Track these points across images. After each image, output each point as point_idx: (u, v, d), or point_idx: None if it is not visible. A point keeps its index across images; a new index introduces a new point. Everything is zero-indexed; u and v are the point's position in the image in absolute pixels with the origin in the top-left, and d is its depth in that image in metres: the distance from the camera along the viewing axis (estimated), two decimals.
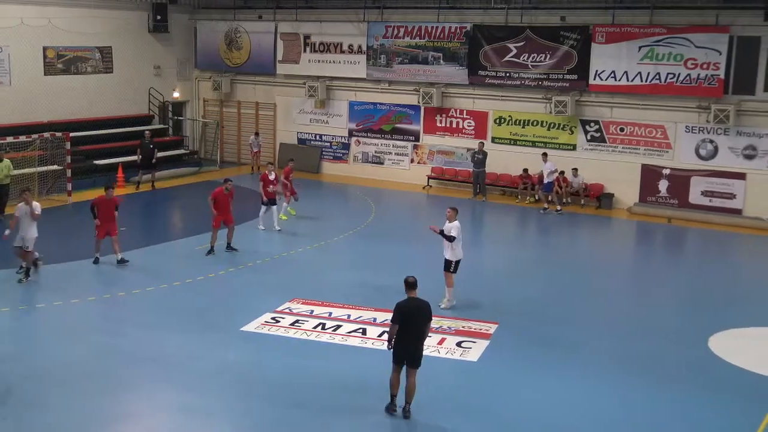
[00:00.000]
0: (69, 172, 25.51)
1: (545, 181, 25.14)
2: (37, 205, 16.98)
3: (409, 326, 11.08)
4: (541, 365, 13.35)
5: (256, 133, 31.49)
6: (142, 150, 27.39)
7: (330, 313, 15.42)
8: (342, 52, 30.39)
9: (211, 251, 19.19)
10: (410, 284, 11.32)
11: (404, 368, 11.29)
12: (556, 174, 25.45)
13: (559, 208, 25.21)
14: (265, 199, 21.66)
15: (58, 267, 17.90)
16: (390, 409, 11.43)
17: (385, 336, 14.15)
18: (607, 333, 15.13)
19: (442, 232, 15.72)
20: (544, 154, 25.59)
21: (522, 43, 26.95)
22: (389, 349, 11.32)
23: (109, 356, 13.29)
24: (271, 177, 21.66)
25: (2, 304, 15.78)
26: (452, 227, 15.64)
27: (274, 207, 21.86)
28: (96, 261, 18.27)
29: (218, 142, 33.22)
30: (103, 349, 13.59)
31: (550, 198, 25.35)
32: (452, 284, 15.87)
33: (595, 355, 13.98)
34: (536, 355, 13.81)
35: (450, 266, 15.77)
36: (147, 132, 28.36)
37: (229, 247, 19.45)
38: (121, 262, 18.13)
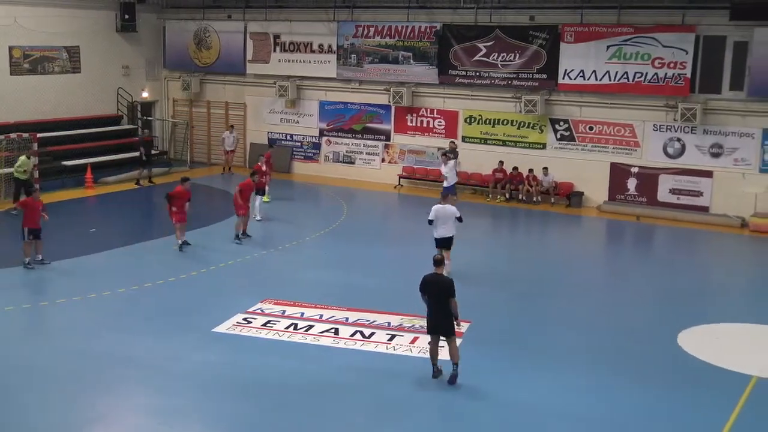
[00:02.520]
0: (36, 173, 25.19)
1: (446, 184, 24.29)
2: None
3: (431, 298, 12.38)
4: (513, 363, 13.45)
5: (231, 126, 31.17)
6: (143, 147, 28.02)
7: (302, 314, 15.40)
8: (312, 51, 30.34)
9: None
10: (436, 261, 12.75)
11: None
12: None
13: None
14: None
15: (23, 269, 17.67)
16: (435, 374, 12.50)
17: (358, 336, 14.25)
18: (577, 330, 15.26)
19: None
20: (444, 155, 25.26)
21: (491, 43, 27.08)
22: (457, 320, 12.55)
23: (80, 359, 13.17)
24: (264, 168, 23.15)
25: None
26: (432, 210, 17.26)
27: (259, 196, 22.74)
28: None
29: (188, 142, 33.01)
30: (75, 352, 13.46)
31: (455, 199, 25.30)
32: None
33: (566, 352, 14.09)
34: (508, 353, 13.91)
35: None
36: (145, 130, 29.01)
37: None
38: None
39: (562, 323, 15.66)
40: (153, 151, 29.41)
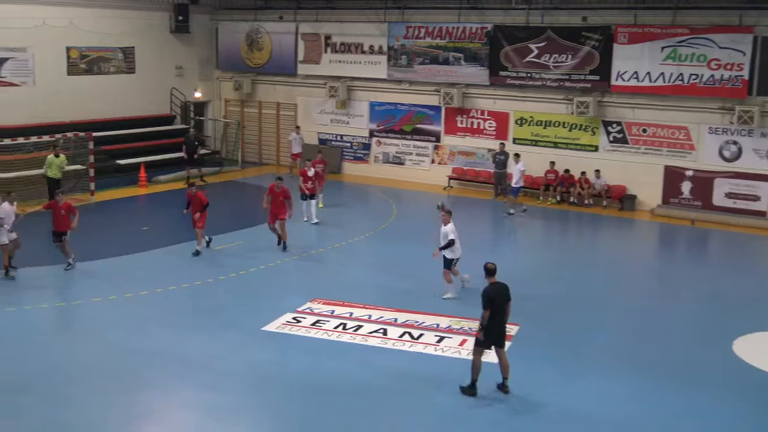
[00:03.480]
0: (92, 172, 25.67)
1: (513, 185, 24.83)
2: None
3: (498, 309, 11.91)
4: (564, 367, 13.27)
5: (297, 128, 31.12)
6: (186, 146, 27.93)
7: (351, 314, 15.41)
8: (363, 52, 30.39)
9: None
10: (491, 270, 12.15)
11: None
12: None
13: (525, 208, 25.18)
14: (301, 194, 22.41)
15: (80, 266, 17.98)
16: (470, 393, 11.96)
17: (407, 337, 14.20)
18: (629, 335, 15.02)
19: (443, 248, 16.25)
20: (516, 155, 25.41)
21: (543, 44, 26.83)
22: (480, 336, 11.97)
23: (130, 355, 13.35)
24: (310, 173, 22.43)
25: (26, 302, 15.91)
26: (448, 231, 16.17)
27: (313, 201, 22.61)
28: (281, 247, 19.70)
29: (239, 142, 33.31)
30: (125, 348, 13.65)
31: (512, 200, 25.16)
32: (451, 280, 16.48)
33: (618, 357, 13.88)
34: (559, 357, 13.73)
35: (452, 263, 16.44)
36: (191, 129, 28.91)
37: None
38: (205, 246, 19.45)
39: (612, 328, 15.44)
40: (201, 151, 29.68)
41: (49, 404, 11.48)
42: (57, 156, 23.65)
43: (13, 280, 17.06)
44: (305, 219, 22.50)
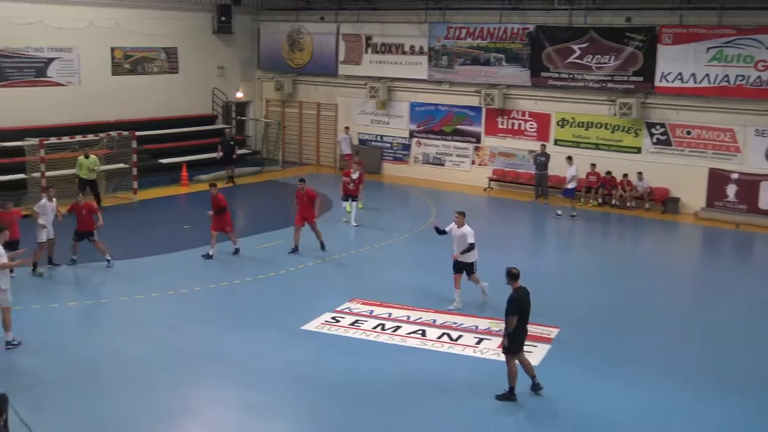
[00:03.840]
0: (135, 171, 25.99)
1: (567, 186, 24.67)
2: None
3: (525, 314, 11.80)
4: (604, 372, 13.10)
5: (347, 128, 31.11)
6: (223, 146, 28.03)
7: (389, 314, 15.39)
8: (403, 53, 30.37)
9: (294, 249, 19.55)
10: (515, 275, 11.92)
11: None
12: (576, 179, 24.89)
13: (575, 213, 24.72)
14: (343, 194, 22.54)
15: (122, 263, 18.19)
16: (510, 398, 11.82)
17: (445, 338, 14.13)
18: (671, 341, 14.78)
19: (465, 251, 15.61)
20: (569, 158, 25.18)
21: (586, 44, 26.57)
22: (505, 343, 11.81)
23: (171, 352, 13.48)
24: (354, 176, 22.44)
25: (69, 298, 16.16)
26: (467, 233, 15.58)
27: (354, 202, 22.62)
28: (322, 247, 19.58)
29: (280, 142, 33.49)
30: (165, 345, 13.78)
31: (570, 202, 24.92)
32: (460, 286, 15.92)
33: (659, 363, 13.64)
34: (599, 361, 13.56)
35: (473, 267, 15.88)
36: (227, 129, 29.17)
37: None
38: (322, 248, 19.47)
39: (655, 333, 15.20)
40: (238, 151, 29.92)
41: (89, 400, 11.62)
42: (87, 157, 23.67)
43: (40, 277, 17.27)
44: (344, 220, 22.50)
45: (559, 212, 24.64)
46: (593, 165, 26.36)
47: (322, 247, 19.70)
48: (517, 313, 11.66)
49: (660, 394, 12.33)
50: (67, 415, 11.14)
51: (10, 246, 14.84)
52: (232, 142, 28.70)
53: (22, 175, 24.18)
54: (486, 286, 16.08)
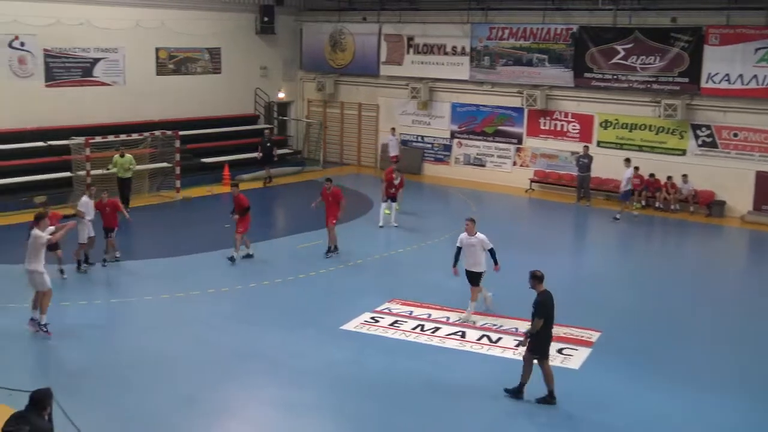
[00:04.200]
0: (178, 170, 26.28)
1: (623, 188, 24.33)
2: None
3: (550, 318, 11.61)
4: (645, 377, 12.90)
5: (393, 129, 30.95)
6: (262, 147, 28.20)
7: (429, 315, 15.35)
8: (445, 53, 30.30)
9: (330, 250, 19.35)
10: (540, 278, 11.73)
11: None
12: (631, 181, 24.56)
13: (636, 214, 24.39)
14: (385, 196, 22.41)
15: (165, 261, 18.38)
16: (550, 401, 11.69)
17: (485, 340, 14.05)
18: (715, 347, 14.55)
19: (496, 260, 15.06)
20: (627, 160, 24.87)
21: (630, 45, 26.25)
22: (525, 344, 11.69)
23: (211, 350, 13.58)
24: (396, 182, 22.32)
25: (112, 295, 16.37)
26: (484, 240, 15.02)
27: (393, 203, 22.54)
28: (329, 250, 19.25)
29: (321, 142, 33.62)
30: (206, 343, 13.89)
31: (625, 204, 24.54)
32: (477, 297, 15.33)
33: (702, 370, 13.41)
34: (640, 366, 13.36)
35: (480, 278, 15.19)
36: (267, 130, 29.29)
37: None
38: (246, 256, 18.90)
39: (699, 338, 14.96)
40: (279, 151, 30.12)
41: (133, 396, 11.75)
42: (122, 156, 23.81)
43: (85, 273, 17.50)
44: (380, 225, 22.41)
45: (617, 216, 24.21)
46: (637, 168, 25.99)
47: (329, 250, 19.23)
48: (543, 317, 11.51)
49: (702, 404, 12.09)
50: (111, 410, 11.27)
51: (50, 248, 15.21)
52: (269, 144, 28.75)
53: (68, 174, 24.56)
54: (490, 297, 15.64)
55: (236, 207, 18.76)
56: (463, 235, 15.17)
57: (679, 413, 11.67)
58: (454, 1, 30.01)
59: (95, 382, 12.14)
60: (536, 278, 11.76)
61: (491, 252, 15.03)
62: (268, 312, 15.53)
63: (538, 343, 11.67)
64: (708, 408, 11.88)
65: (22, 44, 25.29)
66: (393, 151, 30.18)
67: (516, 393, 11.82)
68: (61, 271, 16.92)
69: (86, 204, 17.74)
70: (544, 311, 11.51)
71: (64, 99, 26.33)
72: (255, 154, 28.81)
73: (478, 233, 15.11)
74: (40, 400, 7.98)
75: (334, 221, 19.27)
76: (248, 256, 18.86)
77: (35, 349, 13.57)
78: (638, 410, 11.72)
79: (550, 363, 11.94)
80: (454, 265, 15.16)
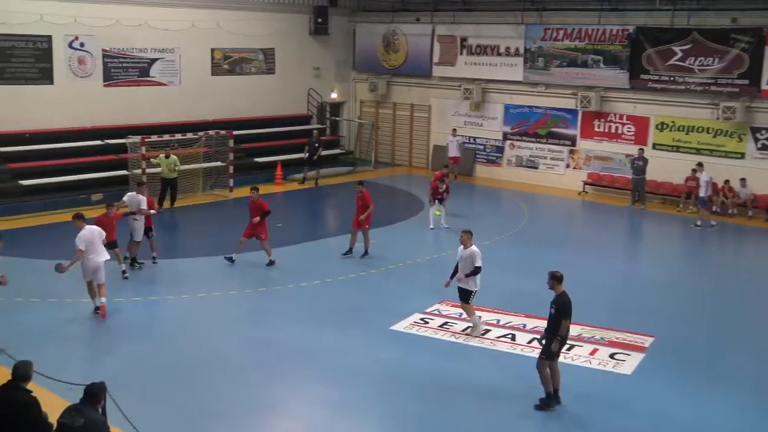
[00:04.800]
0: (231, 169, 26.56)
1: (702, 194, 23.77)
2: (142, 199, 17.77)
3: (570, 319, 11.44)
4: (699, 385, 12.64)
5: (454, 130, 30.65)
6: (309, 148, 28.26)
7: (479, 317, 15.22)
8: (499, 54, 30.11)
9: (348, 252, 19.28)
10: (559, 278, 11.55)
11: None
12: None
13: (713, 223, 23.74)
14: (432, 199, 22.29)
15: (218, 259, 18.55)
16: (551, 404, 11.52)
17: (536, 343, 13.90)
18: None
19: (469, 274, 14.12)
20: (699, 164, 24.38)
21: (688, 46, 25.76)
22: (555, 348, 11.40)
23: (261, 347, 13.68)
24: (442, 188, 22.17)
25: (167, 292, 16.58)
26: (476, 254, 14.09)
27: (441, 204, 22.40)
28: (350, 252, 19.04)
29: (373, 143, 33.67)
30: (256, 341, 14.00)
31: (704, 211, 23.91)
32: (474, 312, 14.49)
33: (758, 380, 13.08)
34: (694, 373, 13.09)
35: (470, 296, 14.28)
36: (315, 131, 29.37)
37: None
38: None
39: (756, 347, 14.60)
40: (330, 152, 30.20)
41: (183, 392, 11.90)
42: (167, 157, 23.85)
43: (140, 269, 17.72)
44: (431, 226, 22.32)
45: (698, 223, 23.60)
46: (694, 170, 25.52)
47: (350, 252, 19.07)
48: (569, 317, 11.34)
49: (757, 415, 11.78)
50: (163, 405, 11.42)
51: (108, 246, 15.71)
52: (317, 144, 28.78)
53: (124, 172, 24.99)
54: (479, 321, 14.56)
55: (257, 212, 18.32)
56: (460, 248, 14.37)
57: (731, 424, 11.38)
58: (508, 1, 29.82)
59: (148, 377, 12.30)
60: (555, 278, 11.56)
61: (475, 270, 14.03)
62: (319, 311, 15.57)
63: (554, 346, 11.46)
64: (763, 420, 11.57)
65: (82, 45, 25.81)
66: (453, 152, 30.04)
67: (547, 402, 11.54)
68: (123, 272, 17.02)
69: (138, 201, 17.67)
70: (567, 312, 11.32)
71: (121, 98, 26.81)
72: (302, 155, 28.70)
73: (473, 246, 14.22)
74: (95, 394, 8.12)
75: (367, 226, 19.05)
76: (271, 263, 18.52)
77: (91, 343, 13.82)
78: (689, 418, 11.48)
79: (602, 368, 11.77)
80: (450, 278, 14.52)
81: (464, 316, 15.08)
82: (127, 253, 17.62)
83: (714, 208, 24.88)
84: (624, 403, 11.83)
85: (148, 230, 18.03)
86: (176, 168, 24.01)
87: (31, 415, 8.31)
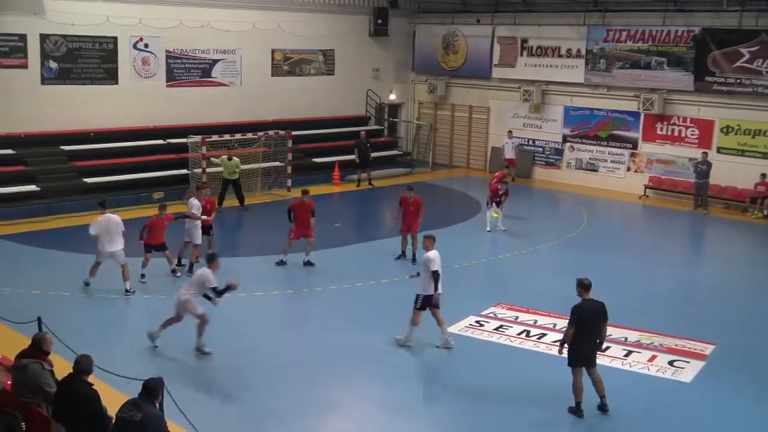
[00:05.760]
0: (289, 169, 26.78)
1: None
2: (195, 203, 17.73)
3: (591, 328, 11.22)
4: (760, 395, 12.31)
5: (510, 132, 30.55)
6: (358, 149, 28.31)
7: (535, 321, 15.10)
8: (560, 56, 29.79)
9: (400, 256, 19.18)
10: (586, 286, 11.35)
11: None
12: None
13: None
14: (490, 202, 22.16)
15: (275, 258, 18.67)
16: (578, 413, 11.34)
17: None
18: None
19: (416, 275, 14.15)
20: (763, 175, 23.75)
21: (756, 48, 25.14)
22: (560, 353, 11.44)
23: (319, 347, 13.75)
24: (501, 192, 22.00)
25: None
26: (431, 258, 13.49)
27: (499, 207, 22.26)
28: (413, 259, 18.71)
29: (431, 145, 33.62)
30: (314, 340, 14.08)
31: None
32: (418, 323, 13.70)
33: None
34: (755, 383, 12.75)
35: (417, 302, 13.62)
36: (362, 132, 29.34)
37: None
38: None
39: None
40: (387, 153, 30.18)
41: (239, 390, 12.03)
42: (230, 159, 23.97)
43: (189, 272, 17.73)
44: (488, 229, 22.17)
45: None
46: (763, 175, 24.85)
47: (414, 259, 18.70)
48: (575, 324, 11.13)
49: None
50: (218, 402, 11.58)
51: (157, 249, 16.59)
52: (368, 145, 28.80)
53: (185, 171, 25.39)
54: (449, 337, 13.85)
55: (306, 213, 18.30)
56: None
57: None
58: (570, 2, 29.50)
59: (205, 375, 12.48)
60: (580, 286, 11.40)
61: (434, 274, 13.39)
62: (374, 312, 15.58)
63: (569, 352, 11.36)
64: None
65: (146, 45, 26.32)
66: (508, 154, 29.87)
67: (574, 411, 11.40)
68: (173, 272, 17.24)
69: (197, 206, 17.65)
70: (573, 319, 11.19)
71: (183, 99, 27.26)
72: (353, 157, 28.47)
73: (432, 251, 13.63)
74: (153, 389, 8.27)
75: (416, 230, 18.81)
76: (309, 263, 18.53)
77: (147, 340, 14.07)
78: (747, 429, 11.21)
79: (661, 374, 11.54)
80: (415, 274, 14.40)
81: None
82: (184, 259, 17.62)
83: None
84: (683, 410, 11.59)
85: (208, 229, 18.06)
86: (237, 170, 24.18)
87: (92, 408, 8.51)
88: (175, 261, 17.49)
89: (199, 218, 17.50)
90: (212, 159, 24.44)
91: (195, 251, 17.44)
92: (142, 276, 16.55)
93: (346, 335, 14.30)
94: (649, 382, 12.55)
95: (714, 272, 19.78)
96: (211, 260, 13.28)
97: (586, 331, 11.20)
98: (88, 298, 15.65)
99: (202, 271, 13.19)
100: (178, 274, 17.24)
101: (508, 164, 28.87)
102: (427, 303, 13.54)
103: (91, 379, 8.69)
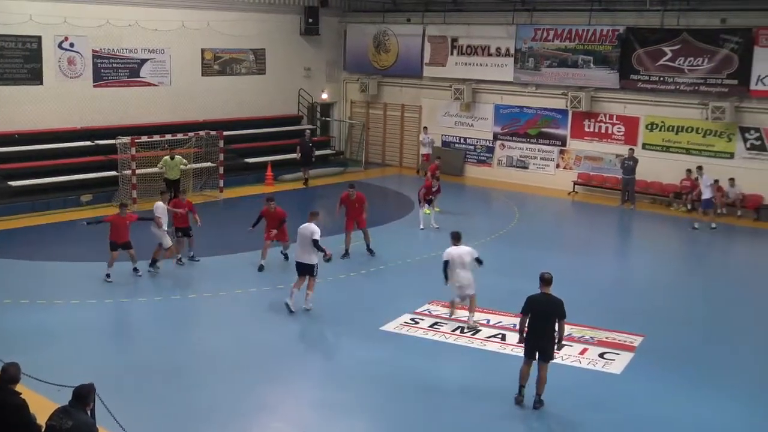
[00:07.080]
0: (221, 170, 26.52)
1: (704, 197, 23.65)
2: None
3: (539, 320, 11.42)
4: (689, 384, 12.68)
5: (425, 128, 31.23)
6: (301, 148, 28.22)
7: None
8: (489, 55, 30.15)
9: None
10: (544, 279, 11.56)
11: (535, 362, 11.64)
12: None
13: (713, 225, 23.72)
14: (422, 201, 22.34)
15: (211, 260, 18.52)
16: (517, 399, 11.65)
17: None
18: (762, 354, 14.25)
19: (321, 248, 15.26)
20: (699, 168, 24.43)
21: (678, 47, 25.86)
22: (520, 342, 11.80)
23: (251, 348, 13.66)
24: (434, 188, 22.27)
25: (157, 293, 16.55)
26: (314, 231, 15.22)
27: (430, 205, 22.47)
28: (370, 251, 19.48)
29: (364, 144, 33.67)
30: (247, 341, 13.99)
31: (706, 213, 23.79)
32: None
33: (748, 377, 13.16)
34: (684, 372, 13.12)
35: (314, 270, 15.40)
36: (307, 131, 29.35)
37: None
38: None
39: (745, 345, 14.69)
40: (322, 152, 30.30)
41: (173, 392, 11.91)
42: (172, 158, 23.84)
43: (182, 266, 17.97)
44: (421, 227, 22.33)
45: (696, 225, 23.47)
46: (689, 171, 25.56)
47: (370, 251, 19.38)
48: (526, 314, 11.47)
49: (747, 413, 11.83)
50: (152, 407, 11.40)
51: (123, 247, 16.73)
52: (311, 144, 28.81)
53: (114, 173, 24.92)
54: (311, 300, 15.29)
55: (274, 221, 18.40)
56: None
57: (720, 423, 11.43)
58: (499, 2, 29.87)
59: (138, 379, 12.28)
60: (540, 279, 11.62)
61: (314, 242, 15.07)
62: (309, 312, 15.53)
63: (524, 343, 11.69)
64: (754, 418, 11.63)
65: (72, 45, 25.73)
66: (424, 150, 30.42)
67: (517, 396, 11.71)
68: (135, 270, 17.22)
69: (162, 209, 17.69)
70: (523, 308, 11.52)
71: (111, 99, 26.74)
72: (295, 155, 28.79)
73: (312, 224, 15.30)
74: (84, 396, 8.10)
75: (364, 225, 19.34)
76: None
77: (80, 345, 13.76)
78: (677, 417, 11.52)
79: (591, 367, 11.77)
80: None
81: (454, 316, 15.13)
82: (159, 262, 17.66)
83: (718, 210, 24.57)
84: (612, 402, 11.85)
85: (187, 230, 18.32)
86: (183, 166, 24.12)
87: (21, 418, 8.29)
88: (150, 262, 17.57)
89: (161, 225, 17.46)
90: (158, 166, 24.11)
91: (167, 252, 17.69)
92: (107, 276, 16.57)
93: (282, 335, 14.23)
94: (581, 375, 12.80)
95: (641, 265, 20.29)
96: (313, 215, 15.35)
97: (534, 323, 11.43)
98: (12, 305, 15.24)
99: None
100: (140, 273, 17.20)
101: (426, 160, 29.38)
102: (304, 270, 15.25)
103: (19, 387, 8.46)
